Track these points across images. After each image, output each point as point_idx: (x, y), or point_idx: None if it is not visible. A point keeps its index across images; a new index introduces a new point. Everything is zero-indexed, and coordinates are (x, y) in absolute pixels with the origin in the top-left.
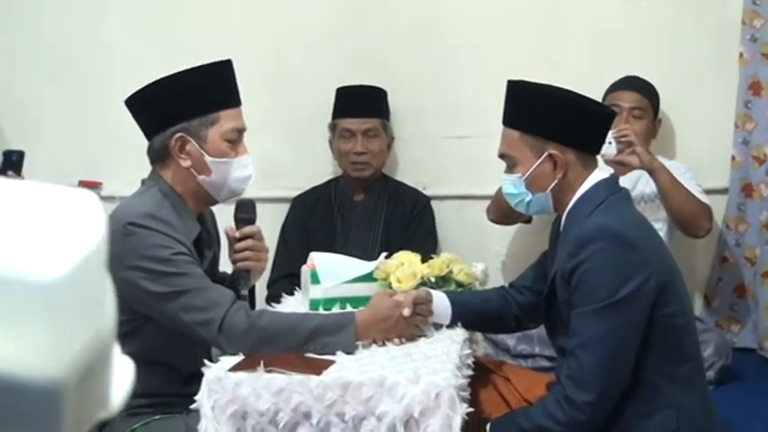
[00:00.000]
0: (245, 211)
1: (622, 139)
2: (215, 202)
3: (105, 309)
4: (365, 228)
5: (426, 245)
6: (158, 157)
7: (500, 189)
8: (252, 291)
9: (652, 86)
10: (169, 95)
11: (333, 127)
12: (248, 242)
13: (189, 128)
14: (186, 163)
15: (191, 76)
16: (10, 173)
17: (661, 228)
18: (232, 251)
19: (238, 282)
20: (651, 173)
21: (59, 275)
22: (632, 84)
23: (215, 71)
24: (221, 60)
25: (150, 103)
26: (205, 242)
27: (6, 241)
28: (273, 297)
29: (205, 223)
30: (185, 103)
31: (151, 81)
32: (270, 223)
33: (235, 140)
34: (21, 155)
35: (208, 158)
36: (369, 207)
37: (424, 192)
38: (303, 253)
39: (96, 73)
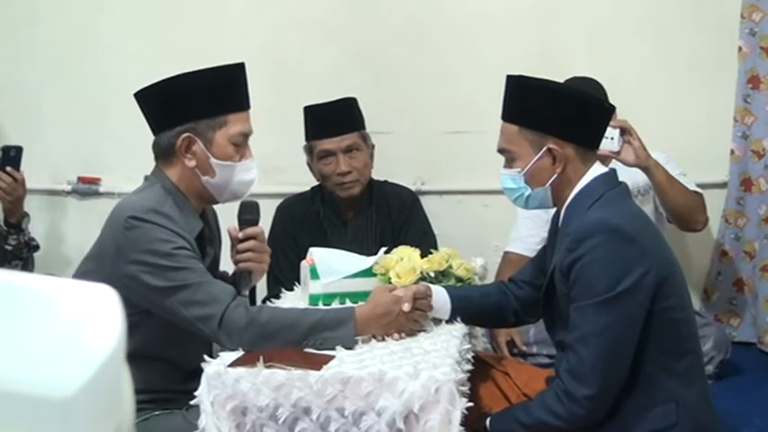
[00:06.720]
0: (249, 213)
1: (619, 126)
2: (215, 203)
3: (123, 402)
4: (359, 245)
5: (422, 241)
6: (163, 153)
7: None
8: (252, 291)
9: (595, 83)
10: (181, 94)
11: (309, 149)
12: (251, 243)
13: (197, 128)
14: (191, 163)
15: (204, 77)
16: (8, 168)
17: None
18: (234, 252)
19: (239, 282)
20: (646, 170)
21: (74, 391)
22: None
23: (228, 74)
24: (235, 63)
25: (161, 100)
26: (207, 239)
27: (20, 354)
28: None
29: (207, 221)
30: (196, 104)
31: (164, 78)
32: (267, 219)
33: (241, 144)
34: (19, 150)
35: (213, 160)
36: (360, 224)
37: (423, 186)
38: (297, 270)
39: (95, 69)
